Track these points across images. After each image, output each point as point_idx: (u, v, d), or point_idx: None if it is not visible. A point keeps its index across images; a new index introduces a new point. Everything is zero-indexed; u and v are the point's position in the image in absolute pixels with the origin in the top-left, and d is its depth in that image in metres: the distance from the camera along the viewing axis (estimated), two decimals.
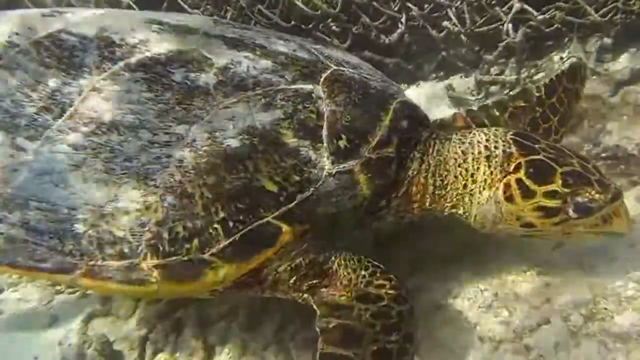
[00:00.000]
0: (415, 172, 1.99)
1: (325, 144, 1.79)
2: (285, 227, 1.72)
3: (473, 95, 3.26)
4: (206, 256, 1.70)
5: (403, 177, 1.97)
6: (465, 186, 1.97)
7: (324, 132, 1.81)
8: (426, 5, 3.30)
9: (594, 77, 3.02)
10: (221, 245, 1.70)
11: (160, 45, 1.93)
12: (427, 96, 3.35)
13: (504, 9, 3.17)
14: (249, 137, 1.75)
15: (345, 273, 1.81)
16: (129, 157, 1.74)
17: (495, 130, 2.04)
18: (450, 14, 3.26)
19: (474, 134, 2.03)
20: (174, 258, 1.70)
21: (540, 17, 3.13)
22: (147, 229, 1.70)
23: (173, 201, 1.70)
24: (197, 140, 1.74)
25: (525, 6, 3.10)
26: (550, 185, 1.81)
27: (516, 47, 3.13)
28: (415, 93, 3.37)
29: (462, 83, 3.38)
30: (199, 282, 1.73)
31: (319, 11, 3.40)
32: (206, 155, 1.73)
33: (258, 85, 1.85)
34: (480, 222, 1.98)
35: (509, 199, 1.86)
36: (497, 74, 3.26)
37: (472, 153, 1.97)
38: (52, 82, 1.87)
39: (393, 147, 1.90)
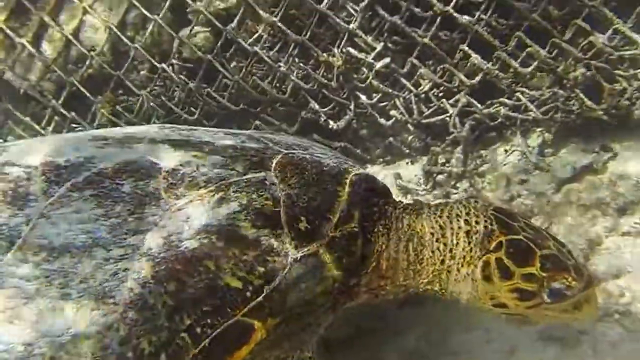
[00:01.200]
0: (384, 246, 1.87)
1: (285, 230, 1.68)
2: (256, 324, 1.59)
3: (420, 185, 3.17)
4: None
5: (371, 251, 1.85)
6: (442, 262, 1.86)
7: (283, 218, 1.70)
8: (374, 95, 3.21)
9: (537, 171, 3.01)
10: (191, 355, 1.54)
11: (106, 160, 1.81)
12: None
13: (450, 101, 3.14)
14: (206, 235, 1.63)
15: None
16: (84, 279, 1.59)
17: (475, 203, 1.96)
18: (398, 104, 3.19)
19: (451, 206, 1.95)
20: None
21: (485, 111, 3.12)
22: (110, 351, 1.52)
23: (135, 316, 1.54)
24: (153, 248, 1.61)
25: (472, 100, 3.08)
26: (529, 268, 1.73)
27: (462, 140, 3.09)
28: None
29: (409, 170, 3.30)
30: None
31: (268, 95, 3.27)
32: (164, 261, 1.59)
33: (209, 181, 1.74)
34: (455, 299, 1.89)
35: (487, 278, 1.77)
36: (443, 163, 3.19)
37: (452, 228, 1.87)
38: None
39: (356, 222, 1.79)
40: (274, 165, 1.83)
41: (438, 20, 3.01)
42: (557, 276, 1.72)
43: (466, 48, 3.04)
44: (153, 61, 3.32)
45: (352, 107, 3.23)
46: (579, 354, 2.08)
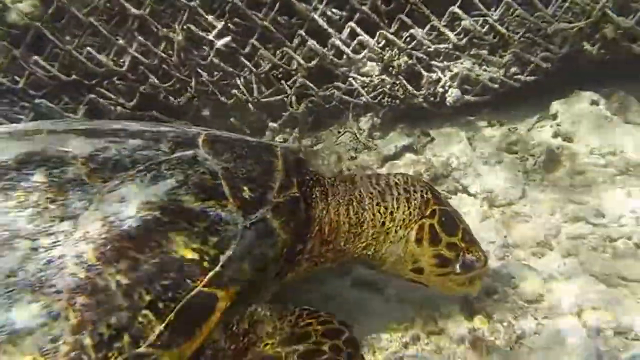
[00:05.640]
0: (324, 212, 1.82)
1: (231, 200, 1.58)
2: (219, 293, 1.46)
3: None
4: (143, 349, 1.35)
5: (313, 215, 1.80)
6: (383, 224, 1.86)
7: (225, 189, 1.59)
8: (215, 73, 3.02)
9: (366, 150, 3.03)
10: (157, 332, 1.37)
11: (3, 153, 1.54)
12: None
13: (289, 82, 3.05)
14: (148, 212, 1.48)
15: (270, 321, 1.59)
16: (12, 272, 1.34)
17: (405, 174, 2.00)
18: (239, 83, 3.03)
19: (387, 177, 1.96)
20: None
21: (322, 93, 3.08)
22: (62, 342, 1.29)
23: (86, 301, 1.34)
24: (90, 231, 1.42)
25: (308, 82, 3.02)
26: (453, 238, 1.82)
27: (299, 118, 3.00)
28: None
29: None
30: None
31: (104, 68, 2.91)
32: (109, 241, 1.41)
33: (137, 162, 1.58)
34: (383, 260, 1.88)
35: (419, 240, 1.82)
36: (280, 142, 3.09)
37: (391, 193, 1.88)
38: None
39: (296, 188, 1.73)
40: (200, 143, 1.70)
41: (277, 5, 2.92)
42: (472, 248, 1.83)
43: (304, 33, 2.98)
44: None
45: (192, 84, 3.00)
46: (385, 295, 2.16)
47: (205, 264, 1.47)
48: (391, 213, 1.86)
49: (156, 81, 2.96)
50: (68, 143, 1.60)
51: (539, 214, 2.60)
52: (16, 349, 1.28)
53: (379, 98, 3.09)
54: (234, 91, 3.04)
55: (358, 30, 2.96)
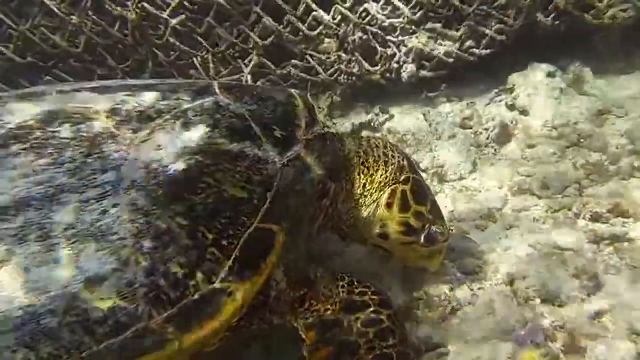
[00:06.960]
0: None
1: (264, 139, 1.59)
2: (275, 227, 1.49)
3: None
4: (217, 284, 1.39)
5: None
6: (364, 186, 1.89)
7: (256, 130, 1.60)
8: (172, 53, 3.01)
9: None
10: (227, 267, 1.40)
11: (19, 115, 1.51)
12: None
13: (245, 61, 3.05)
14: (190, 156, 1.48)
15: (324, 285, 1.65)
16: (69, 225, 1.34)
17: (383, 140, 2.01)
18: (196, 63, 3.02)
19: (368, 138, 1.97)
20: (185, 302, 1.35)
21: (279, 72, 3.08)
22: (138, 285, 1.32)
23: (152, 244, 1.36)
24: (137, 180, 1.42)
25: (264, 60, 3.02)
26: (422, 208, 1.84)
27: None
28: None
29: None
30: (220, 316, 1.37)
31: (60, 49, 2.91)
32: (159, 187, 1.42)
33: (161, 112, 1.58)
34: (356, 226, 1.91)
35: (389, 205, 1.84)
36: None
37: (373, 155, 1.90)
38: None
39: (320, 126, 1.76)
40: (217, 90, 1.69)
41: None
42: (438, 221, 1.85)
43: (260, 11, 2.96)
44: None
45: (150, 64, 3.00)
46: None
47: (256, 201, 1.49)
48: (371, 175, 1.88)
49: (112, 62, 2.96)
50: (84, 100, 1.58)
51: (487, 187, 2.64)
52: (95, 296, 1.29)
53: (335, 75, 3.09)
54: (192, 71, 3.04)
55: (313, 6, 2.94)
